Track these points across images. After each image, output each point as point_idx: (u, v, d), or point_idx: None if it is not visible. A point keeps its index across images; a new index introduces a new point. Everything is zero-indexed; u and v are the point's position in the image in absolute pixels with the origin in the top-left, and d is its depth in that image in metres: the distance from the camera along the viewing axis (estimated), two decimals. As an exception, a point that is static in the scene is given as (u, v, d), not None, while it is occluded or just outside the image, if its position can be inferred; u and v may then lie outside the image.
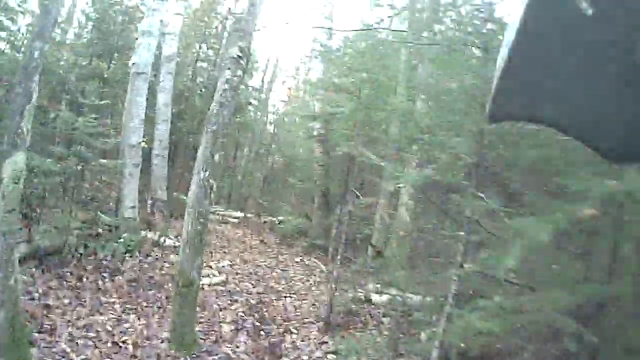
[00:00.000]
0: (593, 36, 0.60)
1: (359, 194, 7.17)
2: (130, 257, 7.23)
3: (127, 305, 5.67)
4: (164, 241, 8.03)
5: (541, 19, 0.60)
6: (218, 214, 14.87)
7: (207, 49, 12.90)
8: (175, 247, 8.05)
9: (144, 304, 5.87)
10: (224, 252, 9.17)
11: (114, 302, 5.73)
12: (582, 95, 0.67)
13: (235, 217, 14.78)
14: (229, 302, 6.41)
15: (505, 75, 0.65)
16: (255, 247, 10.55)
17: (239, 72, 4.56)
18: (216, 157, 4.74)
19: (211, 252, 8.82)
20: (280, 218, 14.96)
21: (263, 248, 10.55)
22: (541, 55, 0.63)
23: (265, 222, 14.80)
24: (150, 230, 8.44)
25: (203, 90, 11.31)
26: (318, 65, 14.08)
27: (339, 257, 6.17)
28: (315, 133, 11.33)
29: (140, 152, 7.77)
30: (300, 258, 9.92)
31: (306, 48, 20.60)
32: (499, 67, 0.67)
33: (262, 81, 19.49)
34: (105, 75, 11.48)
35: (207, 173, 4.65)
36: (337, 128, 11.06)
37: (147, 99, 8.68)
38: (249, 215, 15.17)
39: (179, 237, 8.51)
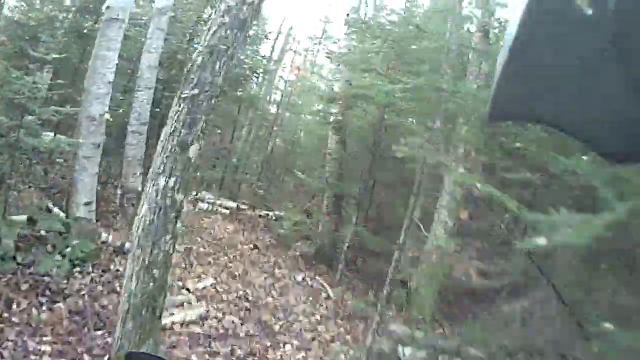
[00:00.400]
0: (593, 35, 0.59)
1: (421, 225, 5.30)
2: (81, 272, 5.36)
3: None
4: (129, 249, 6.13)
5: (541, 19, 0.59)
6: (207, 202, 12.99)
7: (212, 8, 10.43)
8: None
9: (86, 358, 4.04)
10: (209, 263, 7.30)
11: (43, 352, 3.94)
12: (582, 95, 0.65)
13: (226, 208, 12.88)
14: (207, 357, 4.56)
15: (505, 75, 0.63)
16: (247, 253, 8.68)
17: (251, -2, 2.54)
18: (192, 149, 2.76)
19: (191, 264, 6.96)
20: (278, 213, 13.10)
21: (256, 256, 8.68)
22: (541, 54, 0.62)
23: (260, 216, 12.93)
24: (116, 231, 6.53)
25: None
26: (337, 42, 11.96)
27: (378, 308, 4.31)
28: (331, 119, 9.34)
29: (103, 127, 5.72)
30: (302, 276, 8.07)
31: (324, 15, 18.17)
32: (499, 67, 0.64)
33: (272, 50, 16.95)
34: (85, 31, 9.43)
35: (173, 180, 2.70)
36: (357, 116, 9.16)
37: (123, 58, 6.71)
38: (242, 206, 13.28)
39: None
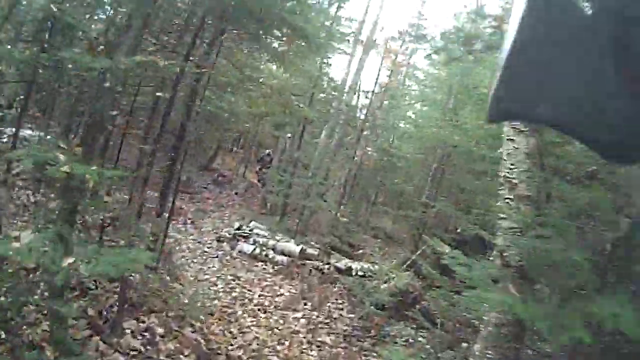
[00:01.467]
0: (593, 35, 0.61)
1: None
2: None
3: None
4: None
5: (541, 18, 0.61)
6: (255, 242, 8.09)
7: None
8: None
9: None
10: None
11: None
12: (582, 94, 0.66)
13: (284, 253, 7.87)
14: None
15: (505, 74, 0.65)
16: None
17: None
18: None
19: None
20: (367, 265, 7.82)
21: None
22: (541, 54, 0.64)
23: (338, 269, 7.70)
24: None
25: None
26: None
27: None
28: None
29: None
30: None
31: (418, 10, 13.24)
32: (499, 67, 0.67)
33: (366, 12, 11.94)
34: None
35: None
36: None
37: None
38: (310, 250, 8.16)
39: None
